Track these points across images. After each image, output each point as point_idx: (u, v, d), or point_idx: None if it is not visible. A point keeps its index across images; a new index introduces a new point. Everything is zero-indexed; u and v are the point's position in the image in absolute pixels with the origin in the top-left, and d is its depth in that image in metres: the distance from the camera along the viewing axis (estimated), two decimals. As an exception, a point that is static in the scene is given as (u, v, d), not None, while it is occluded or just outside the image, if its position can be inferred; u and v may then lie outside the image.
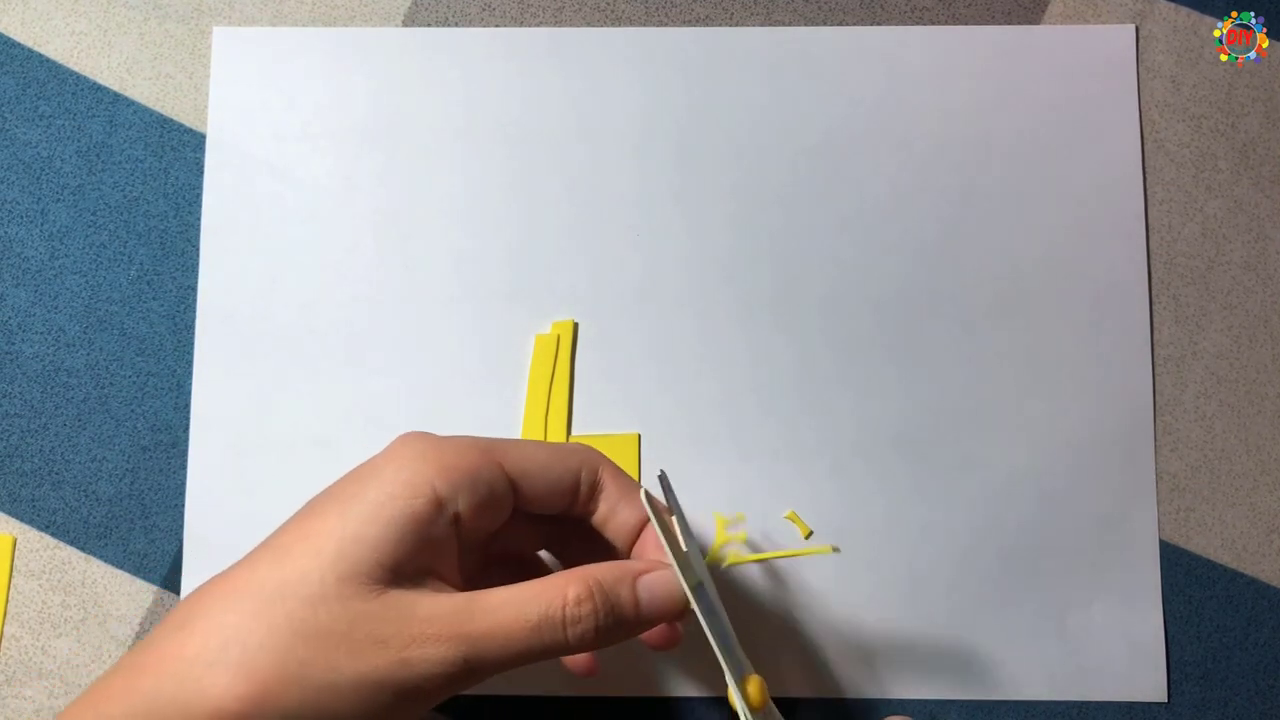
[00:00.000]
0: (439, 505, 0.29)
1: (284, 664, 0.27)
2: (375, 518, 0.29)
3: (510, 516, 0.32)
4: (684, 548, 0.31)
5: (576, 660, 0.35)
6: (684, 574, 0.30)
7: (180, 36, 0.43)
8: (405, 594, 0.28)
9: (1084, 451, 0.41)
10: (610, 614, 0.30)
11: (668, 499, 0.33)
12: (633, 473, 0.40)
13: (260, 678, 0.27)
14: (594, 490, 0.33)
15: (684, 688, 0.40)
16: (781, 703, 0.40)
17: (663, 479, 0.33)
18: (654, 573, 0.31)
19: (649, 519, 0.32)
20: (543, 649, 0.29)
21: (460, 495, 0.30)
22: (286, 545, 0.29)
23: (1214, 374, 0.41)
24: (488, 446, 0.31)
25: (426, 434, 0.31)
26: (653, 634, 0.33)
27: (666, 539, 0.31)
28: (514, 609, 0.29)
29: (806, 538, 0.40)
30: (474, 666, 0.28)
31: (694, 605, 0.30)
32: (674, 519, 0.32)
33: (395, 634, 0.28)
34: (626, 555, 0.34)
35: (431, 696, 0.28)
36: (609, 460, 0.33)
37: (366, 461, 0.31)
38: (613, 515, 0.33)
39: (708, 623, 0.31)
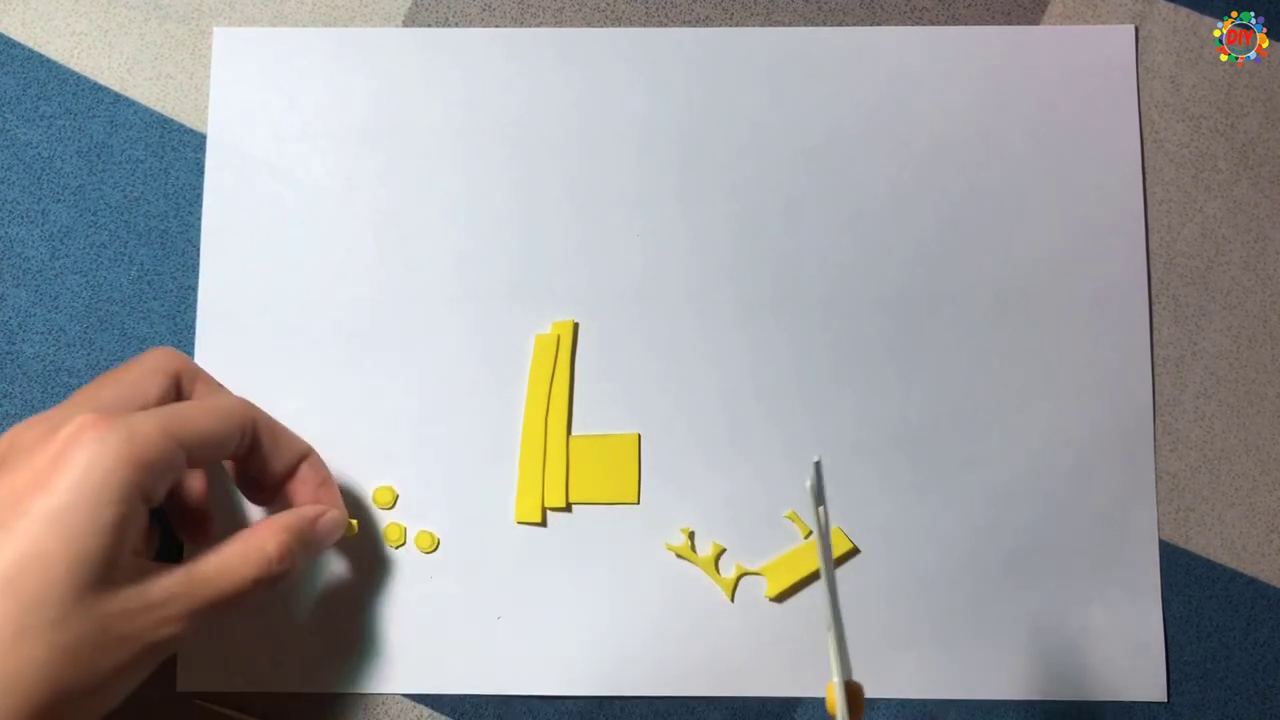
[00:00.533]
0: (143, 500, 0.31)
1: (54, 693, 0.29)
2: (91, 528, 0.30)
3: None
4: (824, 541, 0.31)
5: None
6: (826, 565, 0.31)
7: (181, 37, 0.43)
8: (134, 587, 0.31)
9: (1084, 451, 0.41)
10: (303, 553, 0.35)
11: (818, 487, 0.32)
12: (633, 472, 0.41)
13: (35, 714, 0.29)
14: (253, 443, 0.36)
15: (685, 687, 0.40)
16: (781, 702, 0.40)
17: (817, 467, 0.32)
18: (326, 516, 0.37)
19: (307, 460, 0.38)
20: (259, 595, 0.34)
21: (158, 486, 0.31)
22: (11, 578, 0.29)
23: (1214, 374, 0.41)
24: (166, 425, 0.32)
25: (108, 420, 0.31)
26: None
27: (820, 537, 0.31)
28: (230, 577, 0.33)
29: (806, 537, 0.40)
30: (207, 624, 0.33)
31: (828, 596, 0.31)
32: (822, 510, 0.32)
33: (141, 627, 0.31)
34: (280, 485, 0.37)
35: (174, 651, 0.36)
36: (263, 415, 0.36)
37: (49, 453, 0.30)
38: (269, 461, 0.36)
39: (832, 614, 0.31)
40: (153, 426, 0.31)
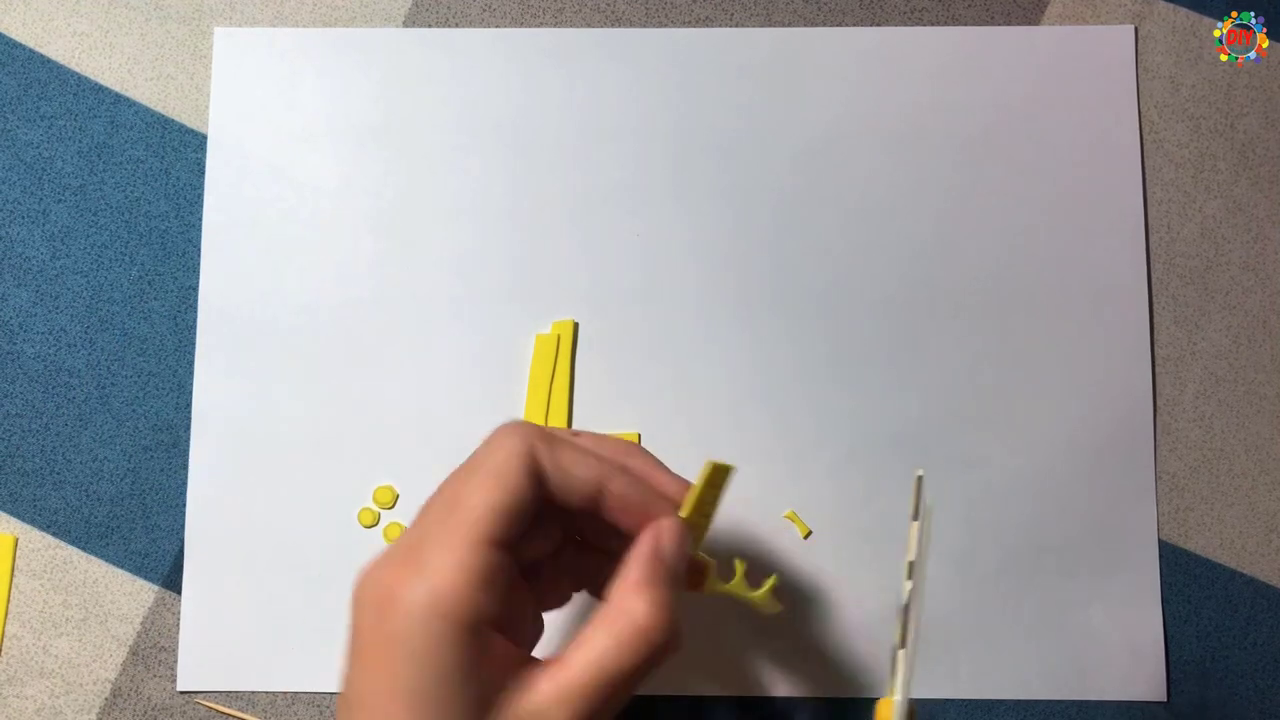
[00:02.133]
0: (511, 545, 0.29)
1: None
2: (477, 581, 0.28)
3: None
4: (919, 557, 0.31)
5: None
6: (913, 582, 0.31)
7: (181, 37, 0.43)
8: (511, 703, 0.28)
9: (1084, 451, 0.41)
10: (676, 592, 0.30)
11: (919, 502, 0.32)
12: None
13: None
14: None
15: (686, 686, 0.40)
16: (781, 702, 0.40)
17: (919, 481, 0.32)
18: (665, 533, 0.31)
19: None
20: (654, 669, 0.29)
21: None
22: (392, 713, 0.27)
23: (1213, 374, 0.41)
24: (532, 452, 0.30)
25: (477, 474, 0.30)
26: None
27: (918, 553, 0.31)
28: (609, 671, 0.28)
29: (805, 537, 0.40)
30: None
31: (908, 613, 0.30)
32: (918, 524, 0.31)
33: None
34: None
35: None
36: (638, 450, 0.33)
37: (451, 505, 0.30)
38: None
39: (910, 633, 0.30)
40: (516, 458, 0.30)
